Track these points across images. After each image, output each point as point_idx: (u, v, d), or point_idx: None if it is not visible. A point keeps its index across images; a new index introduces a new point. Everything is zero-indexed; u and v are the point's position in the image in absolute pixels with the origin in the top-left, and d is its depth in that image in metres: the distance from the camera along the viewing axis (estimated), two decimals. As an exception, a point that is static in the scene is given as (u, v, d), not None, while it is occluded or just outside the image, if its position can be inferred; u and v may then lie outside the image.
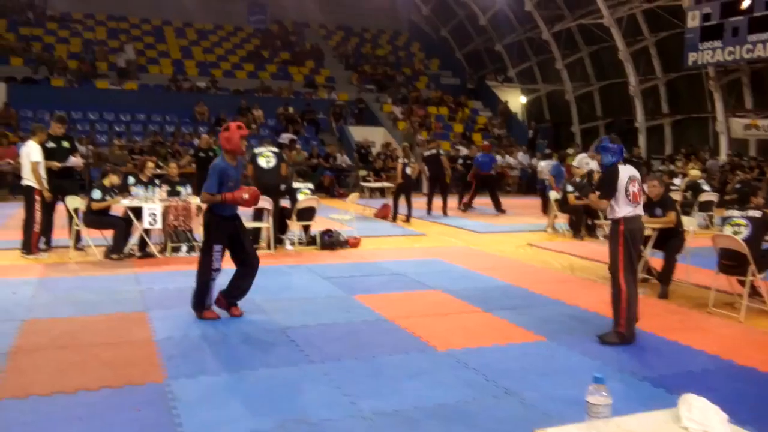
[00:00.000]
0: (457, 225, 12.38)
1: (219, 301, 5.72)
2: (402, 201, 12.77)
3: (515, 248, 9.72)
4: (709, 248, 6.53)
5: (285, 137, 19.21)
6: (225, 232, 5.57)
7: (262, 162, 9.27)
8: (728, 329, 5.60)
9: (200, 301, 5.61)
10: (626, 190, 5.09)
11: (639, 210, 5.21)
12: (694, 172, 13.42)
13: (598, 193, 5.29)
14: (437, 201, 13.94)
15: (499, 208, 14.50)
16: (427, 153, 14.18)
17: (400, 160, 12.99)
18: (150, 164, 9.07)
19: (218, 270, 5.55)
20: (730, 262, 6.12)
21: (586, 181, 10.70)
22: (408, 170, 12.66)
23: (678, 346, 5.07)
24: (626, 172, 5.13)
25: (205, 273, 5.53)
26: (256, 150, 9.59)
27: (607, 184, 5.13)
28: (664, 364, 4.65)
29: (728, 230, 6.23)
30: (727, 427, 1.92)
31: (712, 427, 1.88)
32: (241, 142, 5.60)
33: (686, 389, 2.17)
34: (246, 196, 5.51)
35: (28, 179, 8.08)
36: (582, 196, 10.40)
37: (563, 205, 11.05)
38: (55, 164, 8.30)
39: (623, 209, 5.10)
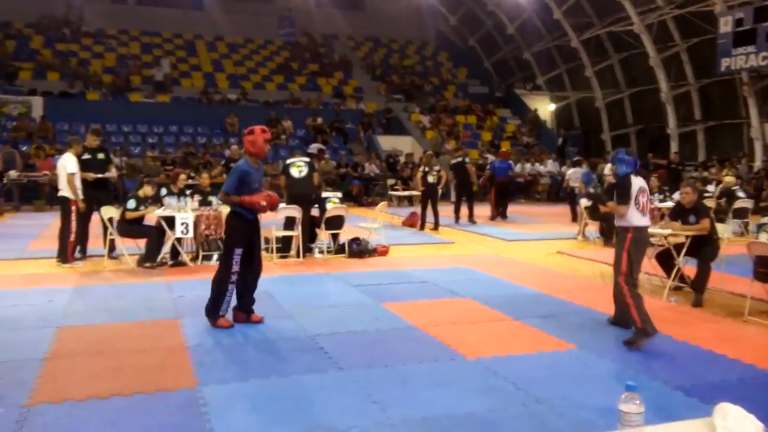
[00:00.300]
0: (486, 233, 12.31)
1: (238, 317, 5.71)
2: (429, 209, 12.77)
3: (545, 256, 9.64)
4: (743, 256, 6.40)
5: (314, 147, 19.35)
6: (246, 234, 5.61)
7: (294, 172, 9.37)
8: (764, 338, 5.48)
9: (217, 306, 5.59)
10: (636, 200, 5.35)
11: (647, 221, 5.47)
12: (729, 179, 13.16)
13: (614, 200, 5.48)
14: (465, 210, 13.91)
15: (504, 215, 14.65)
16: (453, 161, 14.18)
17: (421, 168, 13.03)
18: (182, 176, 9.24)
19: (237, 273, 5.57)
20: (766, 269, 5.99)
21: (598, 187, 10.59)
22: (430, 178, 12.67)
23: (712, 354, 4.97)
24: (637, 183, 5.40)
25: (225, 277, 5.55)
26: (289, 160, 9.72)
27: (623, 192, 5.35)
28: (697, 373, 4.56)
29: (764, 237, 6.10)
30: (763, 435, 1.88)
31: (747, 436, 1.85)
32: (264, 146, 5.61)
33: (720, 399, 2.13)
34: (263, 202, 5.52)
35: (64, 190, 8.28)
36: (597, 203, 10.29)
37: (594, 212, 10.92)
38: (91, 175, 8.51)
39: (634, 218, 5.37)
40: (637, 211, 5.36)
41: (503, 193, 15.12)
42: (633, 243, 5.37)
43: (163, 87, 22.88)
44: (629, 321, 5.30)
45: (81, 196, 8.30)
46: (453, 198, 15.17)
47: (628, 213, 5.35)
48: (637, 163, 5.55)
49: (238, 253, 5.55)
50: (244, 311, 5.76)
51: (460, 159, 14.00)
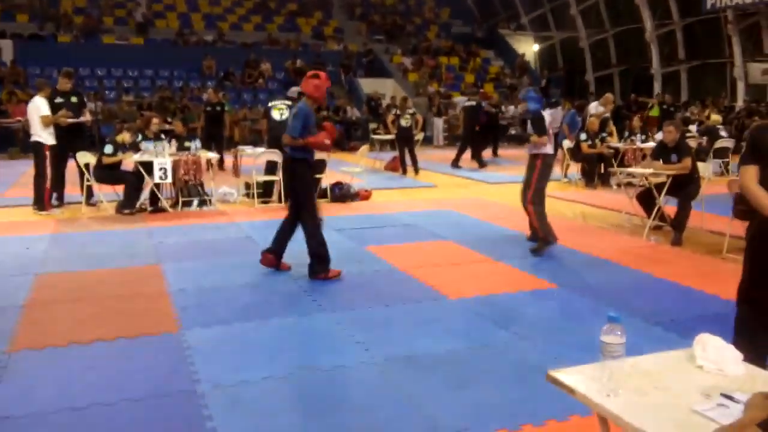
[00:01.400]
0: (469, 176, 12.29)
1: (267, 259, 5.51)
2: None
3: (527, 198, 9.64)
4: (724, 195, 6.44)
5: (294, 90, 18.98)
6: (311, 178, 5.40)
7: (276, 114, 9.22)
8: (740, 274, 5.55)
9: (325, 258, 5.31)
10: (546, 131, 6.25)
11: (551, 149, 6.40)
12: (715, 117, 13.19)
13: (534, 133, 6.24)
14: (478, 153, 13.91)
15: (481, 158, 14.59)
16: (466, 104, 14.01)
17: (393, 112, 12.90)
18: (155, 120, 9.00)
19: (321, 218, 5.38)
20: (745, 206, 6.01)
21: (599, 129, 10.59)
22: (402, 122, 12.54)
23: (691, 291, 5.05)
24: (546, 117, 6.37)
25: (316, 226, 5.33)
26: (270, 103, 9.57)
27: (541, 126, 6.23)
28: (676, 308, 4.63)
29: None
30: (742, 365, 1.89)
31: (726, 366, 1.86)
32: (326, 92, 5.56)
33: (698, 333, 2.15)
34: (327, 140, 5.39)
35: (36, 135, 8.06)
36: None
37: (575, 154, 10.92)
38: (64, 117, 8.17)
39: (548, 147, 6.28)
40: (549, 141, 6.31)
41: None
42: (543, 167, 6.26)
43: (145, 27, 22.21)
44: (533, 230, 6.38)
45: (53, 141, 8.07)
46: (437, 142, 15.09)
47: (546, 142, 6.24)
48: (543, 100, 6.83)
49: (314, 198, 5.38)
50: (278, 256, 5.53)
51: (474, 103, 13.88)
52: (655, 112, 16.78)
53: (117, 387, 3.38)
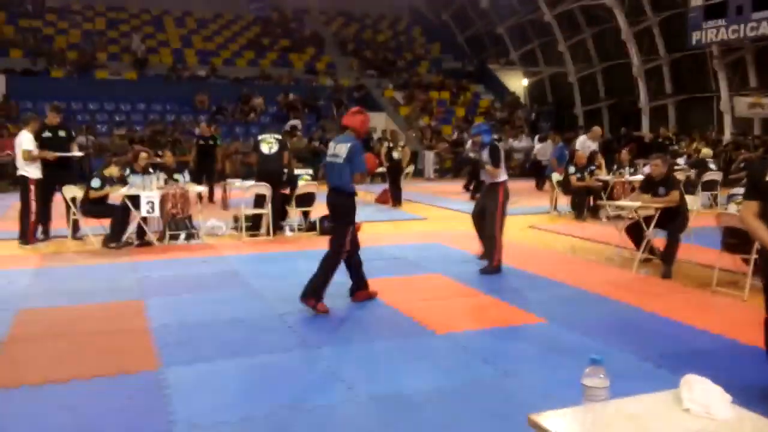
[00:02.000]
0: (459, 209, 12.27)
1: (361, 296, 5.62)
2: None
3: (517, 231, 9.61)
4: (712, 228, 6.42)
5: (289, 124, 19.13)
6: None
7: (264, 148, 9.18)
8: (732, 308, 5.51)
9: (322, 288, 5.33)
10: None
11: (505, 175, 6.87)
12: (706, 150, 13.28)
13: (491, 165, 6.72)
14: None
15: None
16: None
17: (385, 144, 12.99)
18: (143, 155, 8.96)
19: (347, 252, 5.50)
20: (734, 240, 5.99)
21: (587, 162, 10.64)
22: (395, 154, 12.69)
23: (681, 325, 4.98)
24: (503, 147, 7.01)
25: (338, 256, 5.42)
26: (260, 137, 9.56)
27: (499, 156, 6.73)
28: (666, 343, 4.56)
29: (733, 208, 6.11)
30: (731, 408, 1.83)
31: (714, 408, 1.79)
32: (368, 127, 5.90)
33: (689, 369, 2.09)
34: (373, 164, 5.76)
35: (22, 169, 8.01)
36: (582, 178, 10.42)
37: (565, 186, 10.94)
38: (50, 154, 8.18)
39: (504, 175, 6.78)
40: (504, 170, 6.81)
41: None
42: (505, 193, 6.74)
43: (143, 62, 22.39)
44: (490, 256, 6.76)
45: (39, 175, 8.04)
46: (428, 175, 15.19)
47: (501, 173, 6.72)
48: (491, 131, 7.34)
49: (352, 231, 5.49)
50: (365, 286, 5.67)
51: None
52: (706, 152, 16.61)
53: (90, 428, 3.27)
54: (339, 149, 5.38)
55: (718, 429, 1.71)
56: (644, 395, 1.94)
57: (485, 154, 6.79)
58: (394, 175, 12.77)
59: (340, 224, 5.56)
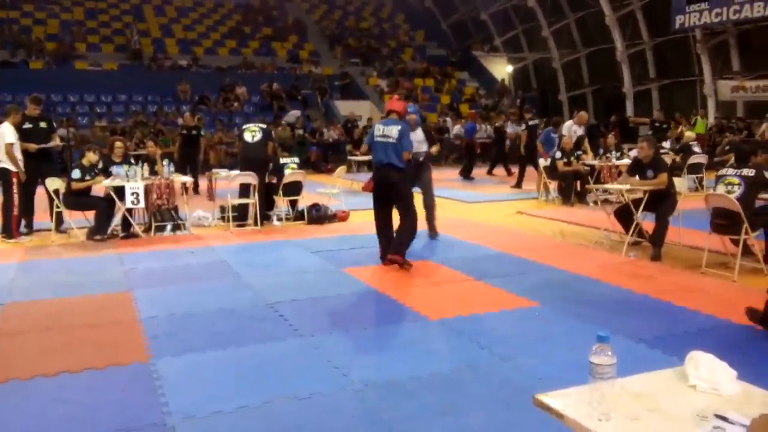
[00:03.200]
0: (446, 196, 12.23)
1: (392, 261, 6.28)
2: None
3: (505, 216, 9.62)
4: (700, 210, 6.46)
5: (291, 115, 19.48)
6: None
7: (248, 136, 9.09)
8: (722, 289, 5.54)
9: (408, 246, 6.39)
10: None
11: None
12: (689, 134, 13.33)
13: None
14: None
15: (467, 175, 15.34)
16: (530, 123, 14.21)
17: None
18: (118, 143, 8.80)
19: None
20: (723, 221, 6.04)
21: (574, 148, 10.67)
22: None
23: (672, 307, 5.00)
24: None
25: (414, 215, 6.49)
26: (243, 126, 9.48)
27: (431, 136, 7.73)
28: (659, 325, 4.57)
29: (721, 189, 6.13)
30: (736, 383, 1.81)
31: (720, 385, 1.78)
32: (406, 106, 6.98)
33: (683, 350, 2.08)
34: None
35: (3, 162, 7.85)
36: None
37: (552, 172, 10.95)
38: (32, 146, 8.07)
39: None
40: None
41: (471, 154, 15.99)
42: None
43: (141, 54, 22.18)
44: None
45: (22, 168, 7.90)
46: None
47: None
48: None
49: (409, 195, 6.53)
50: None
51: (537, 121, 14.48)
52: (701, 128, 16.68)
53: (83, 421, 3.21)
54: (389, 131, 6.25)
55: (725, 404, 1.69)
56: (649, 373, 1.92)
57: (419, 134, 7.44)
58: None
59: (404, 193, 6.44)
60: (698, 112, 18.40)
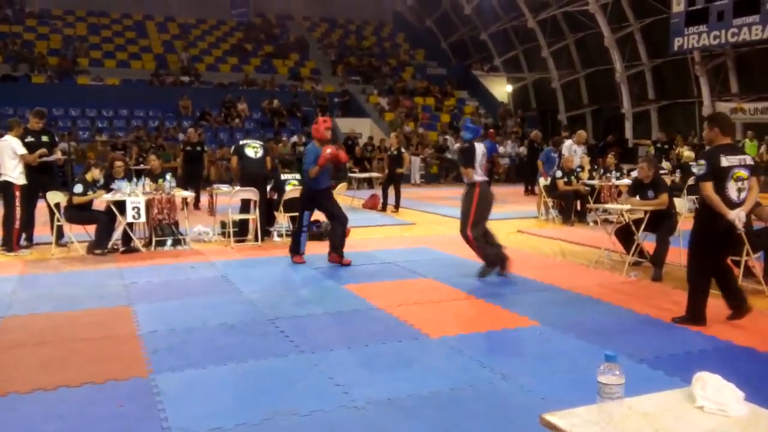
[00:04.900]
0: (447, 213, 12.25)
1: (332, 257, 7.15)
2: (391, 191, 12.73)
3: (505, 235, 9.58)
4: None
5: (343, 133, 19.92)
6: (314, 201, 7.30)
7: (250, 152, 9.12)
8: (724, 310, 5.50)
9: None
10: (480, 163, 6.51)
11: (485, 177, 6.68)
12: (688, 154, 13.38)
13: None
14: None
15: None
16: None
17: (394, 148, 12.93)
18: (118, 162, 8.80)
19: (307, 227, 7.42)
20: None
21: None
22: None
23: (674, 328, 4.98)
24: (480, 148, 6.55)
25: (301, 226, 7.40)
26: (242, 142, 9.52)
27: (468, 157, 6.46)
28: (661, 346, 4.55)
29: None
30: (744, 405, 1.81)
31: (728, 406, 1.77)
32: (325, 132, 7.24)
33: (685, 370, 2.08)
34: (329, 150, 6.97)
35: (6, 175, 7.86)
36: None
37: (552, 190, 10.97)
38: (30, 157, 8.00)
39: (477, 176, 6.51)
40: (478, 172, 6.51)
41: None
42: (481, 195, 6.51)
43: (188, 71, 22.81)
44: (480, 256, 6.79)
45: (24, 181, 7.91)
46: (414, 180, 15.22)
47: (472, 174, 6.47)
48: (481, 131, 6.92)
49: (308, 215, 7.38)
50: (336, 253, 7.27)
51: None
52: (752, 151, 16.42)
53: (82, 437, 3.18)
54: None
55: (733, 426, 1.69)
56: (656, 393, 1.91)
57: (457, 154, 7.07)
58: (398, 179, 12.74)
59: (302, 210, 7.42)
60: (746, 134, 18.23)
